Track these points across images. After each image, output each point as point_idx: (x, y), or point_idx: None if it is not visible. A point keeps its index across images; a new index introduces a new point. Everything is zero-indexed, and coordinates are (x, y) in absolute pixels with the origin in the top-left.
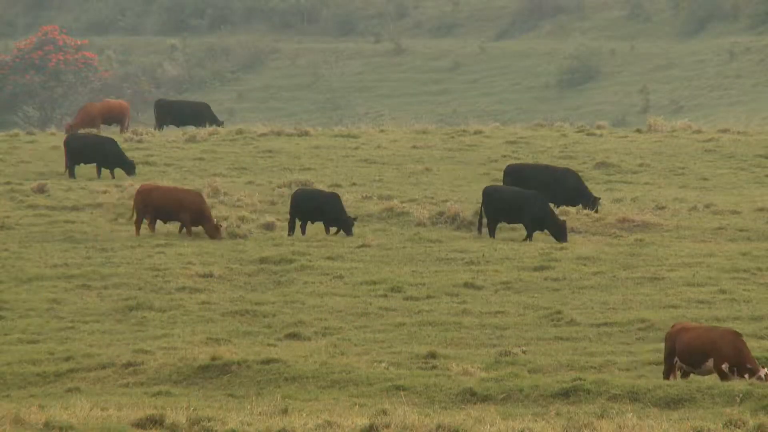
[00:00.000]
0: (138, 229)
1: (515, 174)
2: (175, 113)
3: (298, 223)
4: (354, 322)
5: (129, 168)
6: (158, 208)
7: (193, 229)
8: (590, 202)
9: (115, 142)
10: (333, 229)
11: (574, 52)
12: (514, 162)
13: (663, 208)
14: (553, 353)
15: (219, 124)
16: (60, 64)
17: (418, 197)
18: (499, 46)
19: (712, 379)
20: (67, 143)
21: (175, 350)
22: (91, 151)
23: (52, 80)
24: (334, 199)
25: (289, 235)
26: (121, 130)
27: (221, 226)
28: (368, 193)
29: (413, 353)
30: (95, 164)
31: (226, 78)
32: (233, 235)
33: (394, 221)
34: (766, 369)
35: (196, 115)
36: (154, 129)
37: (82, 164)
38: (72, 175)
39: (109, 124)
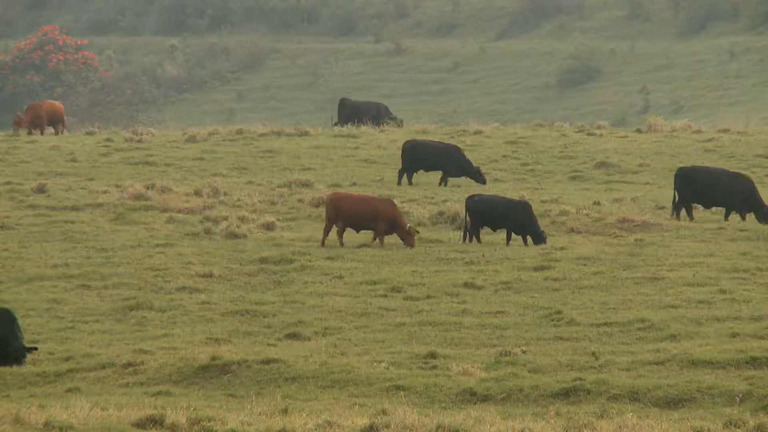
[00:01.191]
0: (324, 238)
1: (687, 178)
2: (357, 112)
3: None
4: (354, 322)
5: (477, 176)
6: (350, 217)
7: (194, 230)
8: (763, 213)
9: (459, 149)
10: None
11: (574, 52)
12: (686, 165)
13: (663, 208)
14: (553, 353)
15: (399, 123)
16: (60, 64)
17: (418, 197)
18: (499, 46)
19: (712, 378)
20: (405, 149)
21: (175, 350)
22: (433, 157)
23: (52, 80)
24: (523, 206)
25: (464, 241)
26: (59, 132)
27: (416, 232)
28: (368, 193)
29: (413, 353)
30: (437, 171)
31: (226, 78)
32: (233, 235)
33: None
34: None
35: (375, 114)
36: (335, 125)
37: (422, 171)
38: (409, 181)
39: (50, 125)
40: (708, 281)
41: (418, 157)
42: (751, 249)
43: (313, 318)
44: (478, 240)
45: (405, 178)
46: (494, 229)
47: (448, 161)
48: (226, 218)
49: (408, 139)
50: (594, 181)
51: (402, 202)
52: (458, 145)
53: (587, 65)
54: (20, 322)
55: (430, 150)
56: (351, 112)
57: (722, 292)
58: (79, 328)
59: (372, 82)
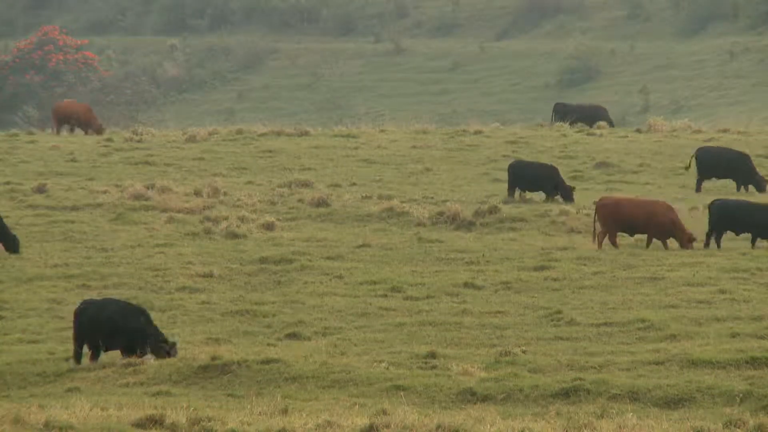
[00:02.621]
0: (602, 243)
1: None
2: (574, 114)
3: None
4: (354, 322)
5: (760, 185)
6: (627, 221)
7: (194, 230)
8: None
9: (749, 157)
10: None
11: (574, 52)
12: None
13: None
14: (553, 353)
15: (612, 124)
16: (60, 64)
17: (418, 197)
18: (499, 46)
19: (712, 378)
20: (700, 157)
21: None
22: (726, 165)
23: (52, 80)
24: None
25: (706, 247)
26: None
27: (694, 238)
28: (368, 193)
29: (413, 353)
30: (729, 179)
31: (226, 78)
32: (233, 235)
33: (394, 221)
34: None
35: (593, 116)
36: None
37: (714, 179)
38: (698, 188)
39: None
40: (708, 281)
41: (712, 165)
42: (751, 249)
43: (313, 318)
44: (718, 245)
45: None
46: (738, 233)
47: (739, 169)
48: (226, 218)
49: (407, 140)
50: (594, 181)
51: (402, 203)
52: (459, 145)
53: (587, 65)
54: (20, 322)
55: (724, 157)
56: (568, 114)
57: (722, 292)
58: None
59: (372, 82)
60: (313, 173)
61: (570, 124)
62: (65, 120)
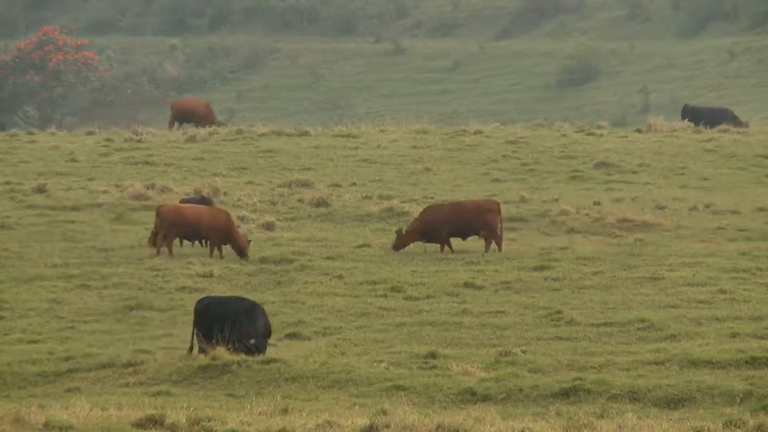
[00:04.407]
0: None
1: None
2: (701, 117)
3: None
4: (354, 322)
5: None
6: None
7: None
8: None
9: None
10: None
11: (574, 52)
12: None
13: (663, 208)
14: (553, 353)
15: (743, 125)
16: (60, 64)
17: (418, 197)
18: (499, 46)
19: (712, 378)
20: None
21: (175, 350)
22: None
23: (52, 80)
24: None
25: None
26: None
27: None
28: (368, 193)
29: (413, 353)
30: None
31: (226, 78)
32: None
33: (394, 221)
34: None
35: (719, 119)
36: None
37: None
38: None
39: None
40: (708, 281)
41: None
42: (751, 249)
43: (313, 318)
44: None
45: None
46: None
47: None
48: None
49: (407, 140)
50: (594, 181)
51: (402, 203)
52: (459, 145)
53: (587, 65)
54: (20, 322)
55: None
56: (695, 117)
57: (722, 292)
58: (79, 328)
59: (372, 82)
60: (313, 173)
61: (704, 125)
62: (184, 117)
